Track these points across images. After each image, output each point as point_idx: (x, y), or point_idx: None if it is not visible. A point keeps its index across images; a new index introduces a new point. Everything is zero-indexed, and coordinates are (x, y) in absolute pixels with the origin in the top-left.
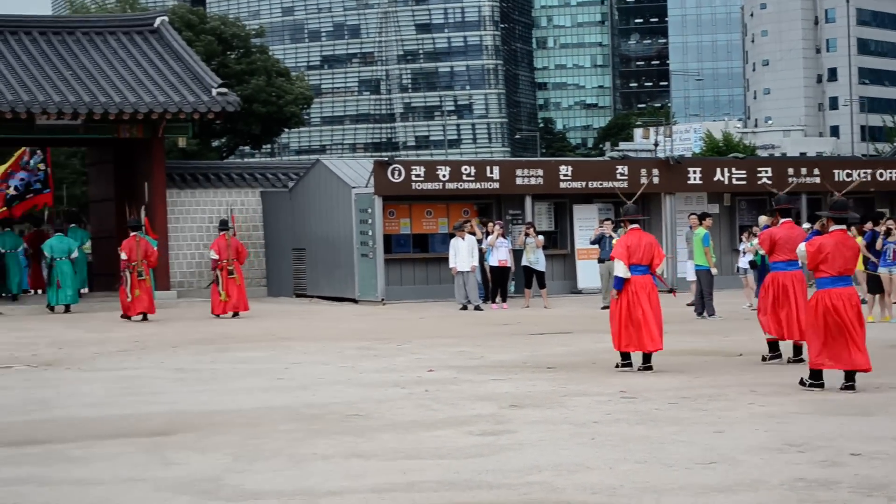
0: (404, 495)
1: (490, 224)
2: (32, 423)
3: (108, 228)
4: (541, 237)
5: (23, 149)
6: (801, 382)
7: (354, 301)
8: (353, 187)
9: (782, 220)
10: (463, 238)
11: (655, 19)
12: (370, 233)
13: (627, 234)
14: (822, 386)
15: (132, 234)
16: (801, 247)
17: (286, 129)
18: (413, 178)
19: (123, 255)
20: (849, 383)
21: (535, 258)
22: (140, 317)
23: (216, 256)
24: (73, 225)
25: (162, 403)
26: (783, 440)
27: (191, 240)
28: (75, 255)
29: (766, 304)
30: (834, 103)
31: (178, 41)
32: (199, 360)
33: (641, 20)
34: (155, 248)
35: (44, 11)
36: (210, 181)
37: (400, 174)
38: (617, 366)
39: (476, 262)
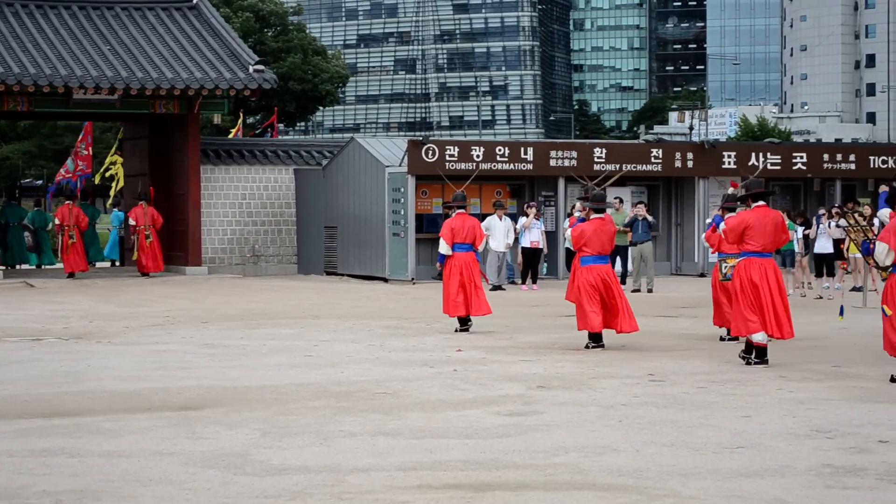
0: (430, 473)
1: (526, 206)
2: (62, 395)
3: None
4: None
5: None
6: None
7: (385, 280)
8: (387, 166)
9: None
10: (500, 218)
11: (694, 2)
12: (402, 212)
13: (453, 218)
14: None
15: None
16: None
17: (321, 108)
18: (447, 157)
19: (56, 221)
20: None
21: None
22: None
23: (133, 223)
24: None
25: (191, 378)
26: (811, 426)
27: (223, 216)
28: (24, 221)
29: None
30: (871, 89)
31: (216, 18)
32: (229, 335)
33: (680, 3)
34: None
35: None
36: (244, 158)
37: (434, 154)
38: (456, 330)
39: (510, 242)
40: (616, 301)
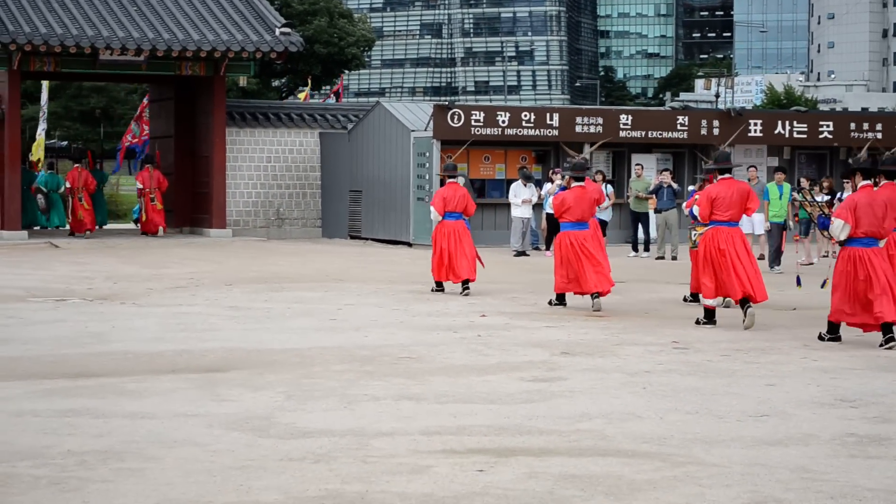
0: (454, 438)
1: (551, 172)
2: (87, 355)
3: (167, 164)
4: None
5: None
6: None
7: (409, 244)
8: (412, 131)
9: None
10: (525, 184)
11: None
12: (427, 177)
13: (445, 187)
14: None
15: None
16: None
17: (346, 71)
18: (472, 122)
19: (67, 184)
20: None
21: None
22: (86, 234)
23: (141, 186)
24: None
25: (215, 340)
26: (835, 395)
27: (248, 179)
28: (35, 184)
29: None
30: None
31: None
32: (253, 298)
33: None
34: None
35: None
36: (269, 121)
37: (459, 119)
38: (431, 290)
39: (534, 200)
40: (584, 263)
